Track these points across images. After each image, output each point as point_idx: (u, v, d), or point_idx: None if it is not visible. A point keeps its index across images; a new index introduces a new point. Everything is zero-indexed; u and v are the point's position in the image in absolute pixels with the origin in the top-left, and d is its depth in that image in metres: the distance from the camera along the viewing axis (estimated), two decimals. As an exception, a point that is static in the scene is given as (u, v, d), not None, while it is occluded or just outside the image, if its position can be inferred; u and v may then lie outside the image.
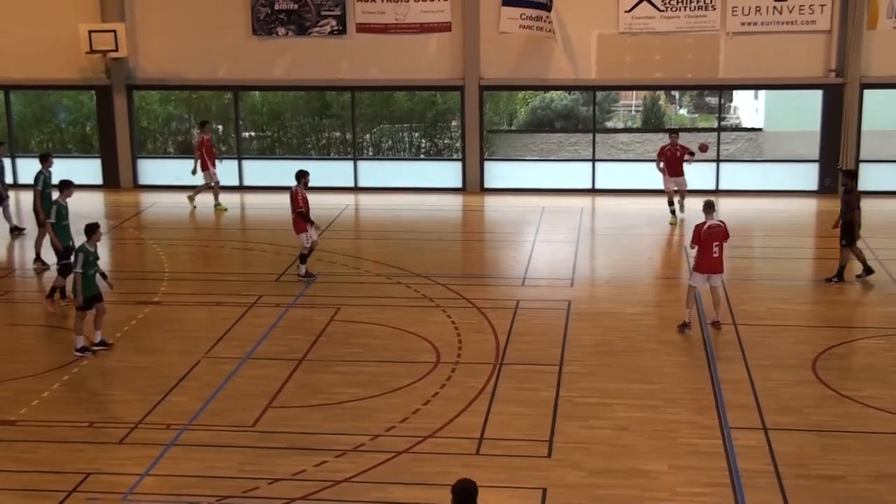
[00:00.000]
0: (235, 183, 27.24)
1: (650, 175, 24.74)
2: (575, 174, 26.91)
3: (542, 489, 11.56)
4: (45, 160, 20.88)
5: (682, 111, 34.04)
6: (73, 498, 11.43)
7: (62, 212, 17.75)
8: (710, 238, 16.15)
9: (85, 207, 23.19)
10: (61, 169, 20.77)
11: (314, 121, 29.06)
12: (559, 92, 30.11)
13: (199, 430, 13.04)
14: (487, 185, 26.86)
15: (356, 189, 27.27)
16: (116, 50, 25.86)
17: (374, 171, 27.70)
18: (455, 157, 27.33)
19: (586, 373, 14.91)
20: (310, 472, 12.00)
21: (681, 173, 23.15)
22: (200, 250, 21.77)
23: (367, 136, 28.55)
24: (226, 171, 26.81)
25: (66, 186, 17.91)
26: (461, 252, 22.41)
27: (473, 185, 26.82)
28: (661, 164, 23.21)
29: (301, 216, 18.87)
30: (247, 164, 27.51)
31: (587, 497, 11.40)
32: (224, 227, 24.43)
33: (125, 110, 26.94)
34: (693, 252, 16.76)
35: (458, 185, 26.96)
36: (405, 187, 26.96)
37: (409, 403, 13.82)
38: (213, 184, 24.95)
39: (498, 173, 27.09)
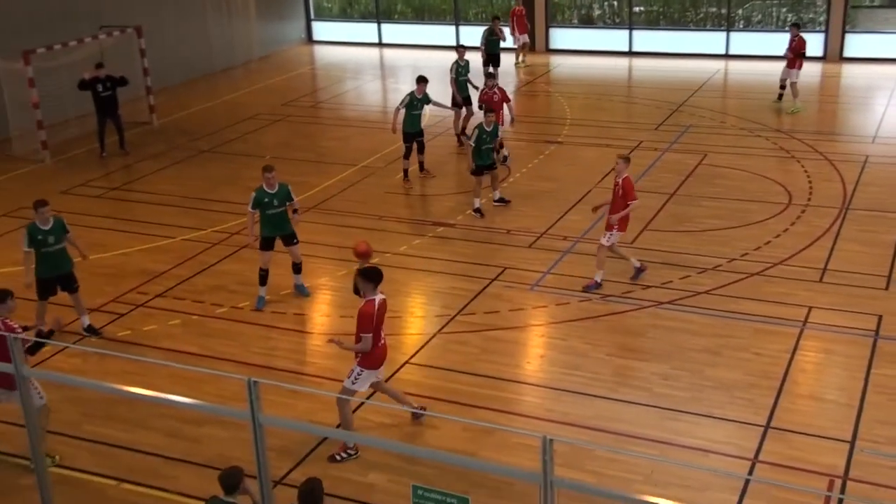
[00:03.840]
0: (625, 49, 26.50)
1: None
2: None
3: (878, 315, 10.71)
4: (461, 51, 18.50)
5: None
6: (493, 285, 12.09)
7: (414, 102, 15.76)
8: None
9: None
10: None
11: (695, -3, 27.37)
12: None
13: (587, 242, 13.20)
14: (846, 54, 24.26)
15: (727, 56, 25.61)
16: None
17: (746, 41, 25.80)
18: (818, 29, 24.80)
19: (928, 222, 13.42)
20: (676, 283, 11.86)
21: (791, 65, 19.60)
22: (595, 102, 21.55)
23: (740, 10, 26.49)
24: (618, 38, 26.35)
25: (421, 81, 15.86)
26: (817, 112, 20.51)
27: (833, 55, 24.32)
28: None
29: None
30: (636, 33, 26.60)
31: (919, 327, 10.43)
32: (605, 83, 23.87)
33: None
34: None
35: (820, 53, 24.52)
36: (770, 55, 24.86)
37: (763, 236, 13.17)
38: (519, 45, 24.94)
39: (858, 43, 24.37)
